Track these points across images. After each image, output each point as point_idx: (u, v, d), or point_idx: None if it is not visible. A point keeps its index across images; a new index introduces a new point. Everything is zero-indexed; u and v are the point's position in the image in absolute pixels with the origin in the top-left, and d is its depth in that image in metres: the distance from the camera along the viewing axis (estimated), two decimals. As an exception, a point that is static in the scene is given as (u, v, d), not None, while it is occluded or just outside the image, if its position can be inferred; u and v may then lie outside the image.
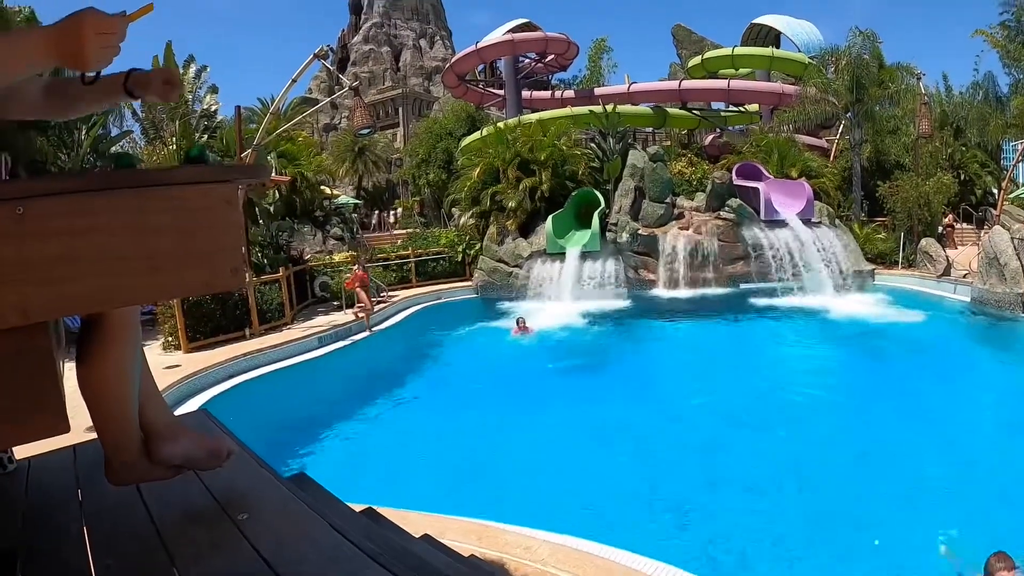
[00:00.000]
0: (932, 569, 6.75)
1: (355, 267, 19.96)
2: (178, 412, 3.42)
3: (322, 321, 19.95)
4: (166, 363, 14.53)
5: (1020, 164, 30.16)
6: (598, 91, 41.05)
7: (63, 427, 1.66)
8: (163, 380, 12.65)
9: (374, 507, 4.25)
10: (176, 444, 2.39)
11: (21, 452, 3.24)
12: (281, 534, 2.23)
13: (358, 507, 3.84)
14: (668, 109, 39.93)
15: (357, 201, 48.99)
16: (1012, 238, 18.27)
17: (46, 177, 1.63)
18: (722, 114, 43.20)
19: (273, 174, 22.89)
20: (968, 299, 19.84)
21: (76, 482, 2.89)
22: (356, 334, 18.89)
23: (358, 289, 19.25)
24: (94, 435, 2.27)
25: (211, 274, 1.76)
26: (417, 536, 4.31)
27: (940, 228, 28.52)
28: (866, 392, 13.23)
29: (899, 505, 8.22)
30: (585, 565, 5.97)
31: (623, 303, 23.32)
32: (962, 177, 35.18)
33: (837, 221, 26.28)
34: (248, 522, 2.29)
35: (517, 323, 19.19)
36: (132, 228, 1.61)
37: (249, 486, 2.63)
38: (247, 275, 18.41)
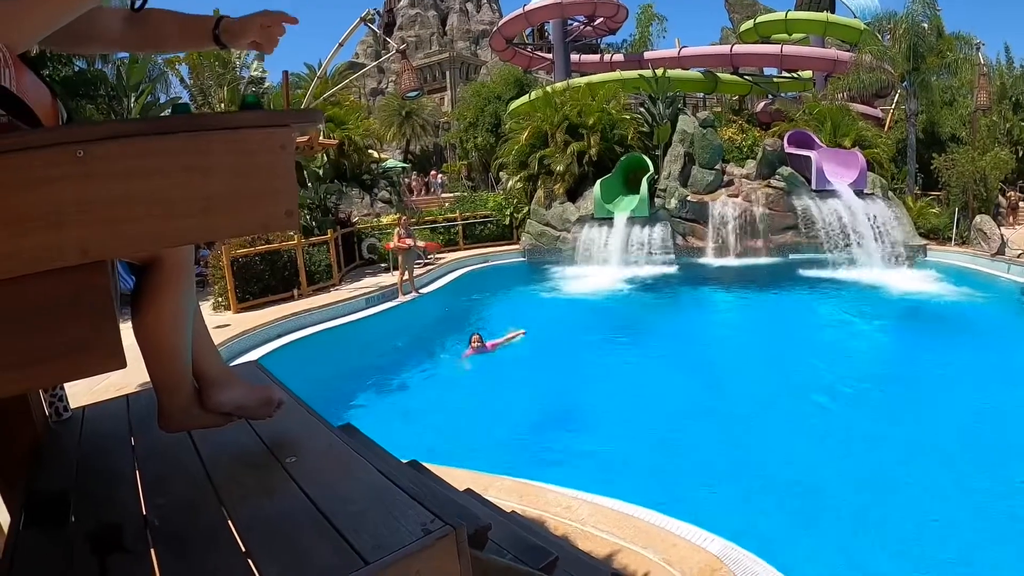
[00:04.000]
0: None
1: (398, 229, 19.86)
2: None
3: (369, 283, 20.11)
4: (216, 323, 14.76)
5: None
6: (648, 55, 40.65)
7: (119, 363, 1.68)
8: (213, 339, 12.80)
9: (417, 461, 4.25)
10: (228, 392, 2.41)
11: (75, 401, 3.31)
12: (328, 476, 2.28)
13: (402, 461, 3.84)
14: (719, 74, 39.40)
15: (405, 165, 49.06)
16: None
17: (106, 121, 1.64)
18: (774, 80, 42.50)
19: (321, 137, 23.00)
20: (1023, 280, 19.33)
21: (129, 429, 2.96)
22: (406, 294, 19.03)
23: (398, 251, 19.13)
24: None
25: (266, 215, 1.76)
26: (460, 491, 4.34)
27: (1003, 205, 27.82)
28: (914, 371, 12.91)
29: (952, 486, 8.06)
30: (624, 526, 6.01)
31: (671, 270, 23.22)
32: (1020, 153, 34.22)
33: (890, 193, 25.73)
34: (296, 465, 2.34)
35: (470, 341, 14.45)
36: (189, 170, 1.62)
37: (298, 432, 2.67)
38: (296, 235, 18.61)
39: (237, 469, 2.43)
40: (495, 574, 2.37)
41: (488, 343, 14.47)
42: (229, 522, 2.01)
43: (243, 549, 1.86)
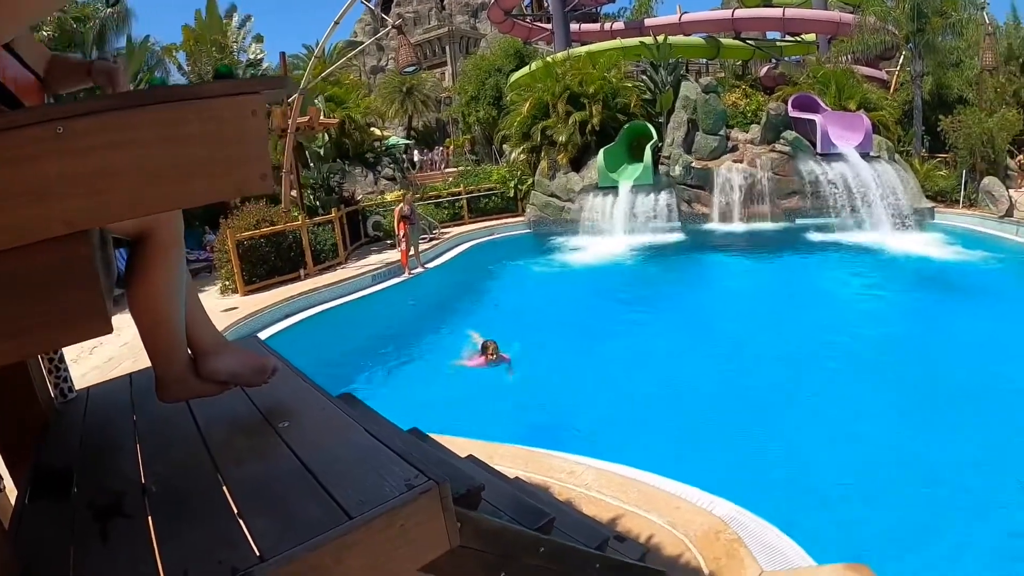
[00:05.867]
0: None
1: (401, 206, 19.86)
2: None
3: (375, 260, 20.23)
4: (224, 306, 15.01)
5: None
6: (648, 22, 40.26)
7: (106, 328, 1.77)
8: (221, 322, 12.92)
9: (419, 429, 4.32)
10: (222, 360, 2.50)
11: (81, 382, 3.41)
12: (318, 438, 2.39)
13: (401, 429, 3.91)
14: (721, 40, 39.06)
15: (407, 141, 49.04)
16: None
17: (84, 98, 1.72)
18: (777, 44, 42.09)
19: (321, 117, 23.06)
20: (1032, 241, 19.03)
21: (131, 405, 3.10)
22: (412, 270, 19.15)
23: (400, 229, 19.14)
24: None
25: (241, 179, 1.86)
26: (462, 457, 4.42)
27: (1014, 165, 27.58)
28: (921, 332, 12.99)
29: (952, 449, 8.07)
30: (628, 490, 6.11)
31: (676, 237, 23.20)
32: (1029, 115, 33.81)
33: (896, 156, 25.49)
34: (288, 429, 2.45)
35: (482, 349, 12.08)
36: (166, 140, 1.72)
37: (292, 399, 2.78)
38: (300, 215, 18.74)
39: (232, 435, 2.54)
40: (488, 534, 2.43)
41: (503, 355, 12.00)
42: (223, 485, 2.10)
43: (235, 510, 1.94)
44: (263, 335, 13.13)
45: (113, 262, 2.23)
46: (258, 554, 1.71)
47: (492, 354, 11.86)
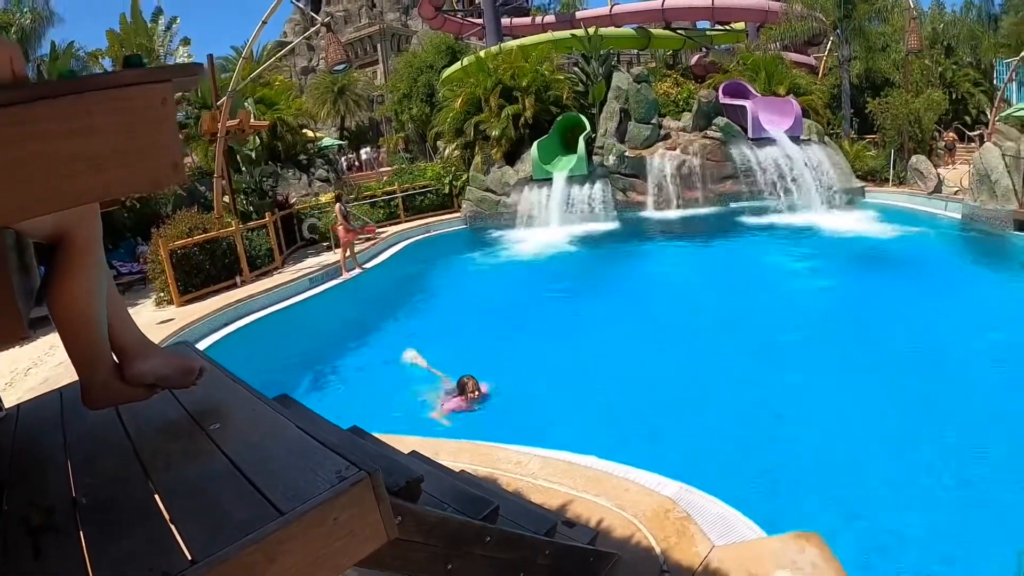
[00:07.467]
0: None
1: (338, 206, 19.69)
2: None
3: (312, 263, 20.00)
4: (159, 318, 14.73)
5: (1012, 83, 29.86)
6: (580, 14, 40.59)
7: (20, 332, 1.74)
8: (157, 335, 12.63)
9: (359, 427, 4.27)
10: (147, 362, 2.41)
11: (9, 400, 3.33)
12: (249, 438, 2.34)
13: (339, 427, 3.86)
14: (652, 30, 39.42)
15: (341, 142, 48.66)
16: (1003, 155, 18.09)
17: None
18: (707, 33, 42.65)
19: (252, 120, 22.70)
20: (959, 216, 19.69)
21: (61, 419, 2.99)
22: (350, 271, 18.95)
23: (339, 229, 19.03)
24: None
25: (155, 170, 1.80)
26: (404, 452, 4.37)
27: (941, 144, 28.34)
28: (856, 308, 13.25)
29: (885, 422, 8.22)
30: (575, 476, 6.13)
31: (612, 225, 23.46)
32: (954, 96, 34.84)
33: (826, 138, 26.15)
34: (219, 431, 2.38)
35: (459, 387, 9.78)
36: (75, 132, 1.64)
37: (223, 400, 2.71)
38: (233, 221, 18.43)
39: (163, 440, 2.46)
40: (430, 525, 2.40)
41: (482, 390, 9.81)
42: (155, 492, 2.04)
43: (167, 516, 1.89)
44: (201, 346, 12.89)
45: (33, 269, 2.17)
46: (189, 557, 1.67)
47: (472, 391, 9.68)
